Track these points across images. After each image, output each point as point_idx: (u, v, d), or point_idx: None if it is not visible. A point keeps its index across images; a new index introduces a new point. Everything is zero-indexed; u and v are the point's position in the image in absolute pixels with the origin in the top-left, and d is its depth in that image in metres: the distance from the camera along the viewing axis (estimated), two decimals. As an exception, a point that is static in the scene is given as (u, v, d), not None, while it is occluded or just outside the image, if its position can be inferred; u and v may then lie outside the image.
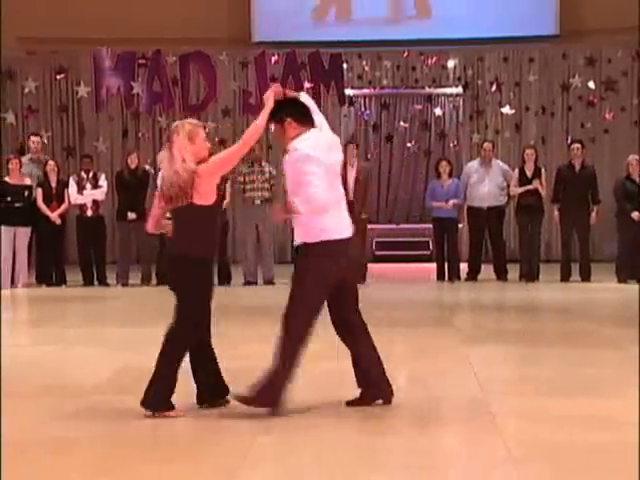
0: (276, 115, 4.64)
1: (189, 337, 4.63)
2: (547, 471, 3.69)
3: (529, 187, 11.29)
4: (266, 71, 14.74)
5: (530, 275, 11.22)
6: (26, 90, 14.94)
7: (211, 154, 4.68)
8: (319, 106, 16.36)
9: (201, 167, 4.52)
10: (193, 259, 4.55)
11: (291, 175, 4.59)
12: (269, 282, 11.33)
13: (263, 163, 11.69)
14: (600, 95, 14.41)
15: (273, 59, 14.70)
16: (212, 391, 4.74)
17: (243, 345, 6.83)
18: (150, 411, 4.50)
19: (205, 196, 4.54)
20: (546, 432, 4.20)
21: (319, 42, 14.63)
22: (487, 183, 11.56)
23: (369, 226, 12.18)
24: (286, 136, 4.62)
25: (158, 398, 4.51)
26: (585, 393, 5.12)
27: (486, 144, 12.04)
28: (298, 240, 4.65)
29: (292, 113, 4.63)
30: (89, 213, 11.39)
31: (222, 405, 4.71)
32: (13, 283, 11.19)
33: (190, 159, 4.51)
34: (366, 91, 15.36)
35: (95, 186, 11.42)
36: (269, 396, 4.49)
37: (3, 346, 6.75)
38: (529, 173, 11.39)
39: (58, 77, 15.05)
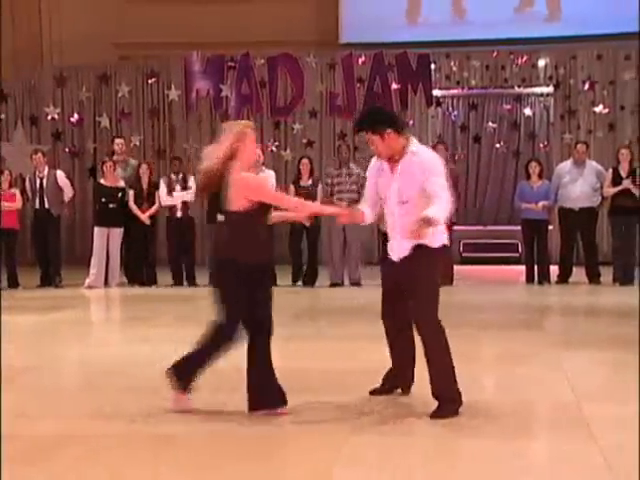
0: (376, 127, 4.75)
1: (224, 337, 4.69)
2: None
3: (622, 187, 10.99)
4: (353, 72, 14.75)
5: (625, 278, 10.91)
6: (119, 94, 15.30)
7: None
8: (407, 107, 16.39)
9: (241, 176, 4.59)
10: (231, 263, 4.60)
11: (424, 177, 4.75)
12: (355, 283, 11.32)
13: (351, 165, 11.69)
14: None
15: (360, 60, 14.70)
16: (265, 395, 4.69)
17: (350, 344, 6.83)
18: None
19: (232, 202, 4.62)
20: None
21: (407, 43, 14.56)
22: (580, 184, 11.29)
23: (456, 227, 12.06)
24: (388, 145, 4.76)
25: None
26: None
27: (579, 145, 11.77)
28: (415, 242, 4.69)
29: (391, 124, 4.79)
30: (179, 214, 11.59)
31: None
32: (106, 283, 11.48)
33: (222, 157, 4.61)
34: (454, 91, 15.20)
35: (184, 188, 11.61)
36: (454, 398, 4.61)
37: (98, 345, 6.93)
38: (623, 173, 11.09)
39: (150, 81, 15.36)
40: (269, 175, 11.78)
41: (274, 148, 14.83)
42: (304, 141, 14.95)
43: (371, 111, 5.09)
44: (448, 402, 4.53)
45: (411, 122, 14.87)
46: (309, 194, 11.33)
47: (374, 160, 4.99)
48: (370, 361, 6.13)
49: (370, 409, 4.74)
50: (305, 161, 11.56)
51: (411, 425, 4.43)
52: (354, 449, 4.05)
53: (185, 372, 4.72)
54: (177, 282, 11.56)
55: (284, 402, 4.64)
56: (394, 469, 3.78)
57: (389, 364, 5.22)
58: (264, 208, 4.65)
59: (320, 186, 11.48)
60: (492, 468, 3.81)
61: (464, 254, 14.20)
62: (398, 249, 4.79)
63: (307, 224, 11.29)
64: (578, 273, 11.42)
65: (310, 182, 11.48)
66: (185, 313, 9.20)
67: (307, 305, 9.97)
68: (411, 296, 4.69)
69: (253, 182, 4.65)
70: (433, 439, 4.25)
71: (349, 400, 4.98)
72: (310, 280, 11.42)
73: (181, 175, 11.76)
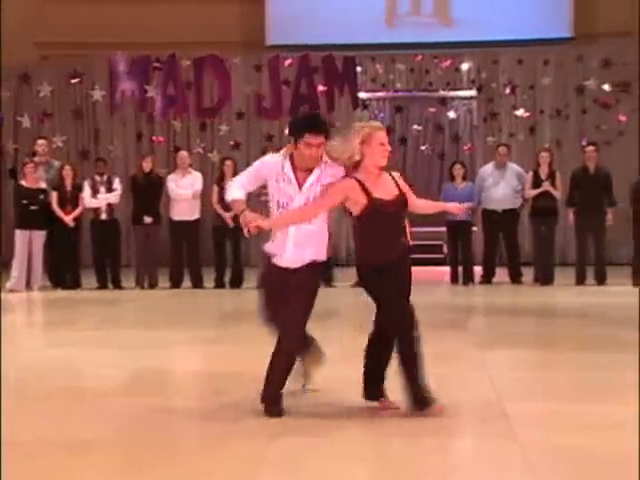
0: (328, 133, 4.72)
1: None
2: (563, 477, 3.68)
3: (542, 189, 11.25)
4: (280, 74, 14.77)
5: (545, 278, 11.18)
6: (41, 94, 15.01)
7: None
8: (333, 109, 16.49)
9: (338, 180, 4.67)
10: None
11: None
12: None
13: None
14: (615, 97, 14.34)
15: (287, 62, 14.72)
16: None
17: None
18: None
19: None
20: (562, 437, 4.18)
21: (333, 45, 14.64)
22: (502, 186, 11.53)
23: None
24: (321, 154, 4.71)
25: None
26: (602, 398, 5.09)
27: (501, 147, 12.01)
28: (312, 257, 4.76)
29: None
30: (103, 216, 11.44)
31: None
32: (29, 286, 11.25)
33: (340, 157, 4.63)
34: (380, 94, 15.35)
35: (109, 189, 11.47)
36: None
37: (20, 349, 6.78)
38: (543, 176, 11.36)
39: (73, 81, 15.11)
40: (196, 177, 11.75)
41: (201, 150, 14.74)
42: (231, 143, 14.91)
43: (319, 115, 5.02)
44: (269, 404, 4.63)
45: (338, 124, 14.98)
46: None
47: (275, 157, 4.85)
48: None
49: (294, 411, 4.76)
50: (229, 162, 11.54)
51: (330, 427, 4.45)
52: (279, 453, 4.05)
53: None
54: (102, 285, 11.41)
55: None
56: (317, 472, 3.81)
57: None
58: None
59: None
60: (416, 467, 3.86)
61: (391, 255, 14.32)
62: (299, 257, 4.74)
63: (231, 225, 11.30)
64: (501, 273, 11.66)
65: (235, 183, 11.45)
66: (110, 316, 9.08)
67: (232, 307, 9.94)
68: (292, 304, 4.70)
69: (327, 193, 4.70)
70: (355, 440, 4.29)
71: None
72: (236, 282, 11.38)
73: (105, 177, 11.61)
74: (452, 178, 11.88)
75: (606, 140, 13.94)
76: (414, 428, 4.46)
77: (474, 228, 12.07)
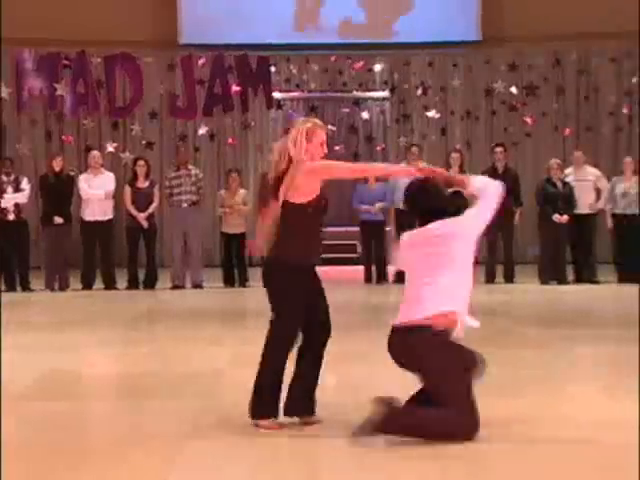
0: None
1: (283, 345, 4.52)
2: (474, 474, 3.77)
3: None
4: (193, 74, 14.66)
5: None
6: (-57, 91, 14.54)
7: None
8: (247, 110, 16.37)
9: (308, 163, 4.40)
10: (288, 264, 4.47)
11: None
12: (197, 286, 11.27)
13: (190, 166, 11.65)
14: (522, 100, 14.72)
15: (200, 62, 14.62)
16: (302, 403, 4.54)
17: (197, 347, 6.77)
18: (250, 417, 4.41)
19: (298, 193, 4.44)
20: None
21: (246, 45, 14.60)
22: (414, 186, 11.69)
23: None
24: None
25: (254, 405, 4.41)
26: (512, 393, 5.24)
27: (413, 148, 12.18)
28: None
29: None
30: (11, 217, 11.14)
31: (310, 423, 4.50)
32: None
33: (300, 156, 4.40)
34: (294, 94, 15.38)
35: (17, 189, 11.19)
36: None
37: None
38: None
39: (-22, 78, 14.67)
40: (108, 177, 11.57)
41: (112, 149, 14.51)
42: (143, 142, 14.72)
43: None
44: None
45: (252, 124, 14.97)
46: (146, 195, 11.22)
47: None
48: (208, 365, 6.14)
49: (207, 413, 4.75)
50: (141, 162, 11.42)
51: (245, 428, 4.46)
52: (190, 455, 4.03)
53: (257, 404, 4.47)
54: (10, 287, 11.12)
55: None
56: (230, 474, 3.81)
57: (227, 367, 5.24)
58: None
59: (157, 187, 11.40)
60: (332, 466, 3.90)
61: (305, 255, 14.38)
62: None
63: (145, 225, 11.18)
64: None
65: (147, 184, 11.35)
66: (19, 318, 8.86)
67: (146, 308, 9.83)
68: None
69: (324, 164, 4.56)
70: (270, 441, 4.29)
71: (186, 404, 4.96)
72: (149, 283, 11.27)
73: (13, 177, 11.32)
74: (365, 178, 11.99)
75: (513, 141, 14.29)
76: (332, 429, 4.50)
77: (387, 228, 12.21)
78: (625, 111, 14.63)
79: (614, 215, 11.47)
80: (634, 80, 14.54)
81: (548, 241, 11.31)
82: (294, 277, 4.41)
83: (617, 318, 8.88)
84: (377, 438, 4.10)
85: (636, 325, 7.96)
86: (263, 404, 4.38)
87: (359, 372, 6.07)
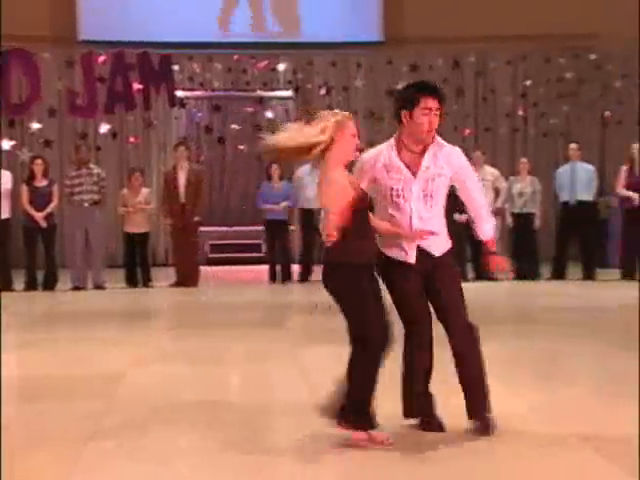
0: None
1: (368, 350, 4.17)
2: (379, 468, 3.83)
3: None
4: (93, 71, 14.39)
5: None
6: None
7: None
8: (149, 108, 16.12)
9: (330, 173, 4.05)
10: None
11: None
12: (99, 287, 11.09)
13: (91, 165, 11.45)
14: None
15: (100, 59, 14.36)
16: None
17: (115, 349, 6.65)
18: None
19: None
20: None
21: (149, 42, 14.43)
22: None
23: (202, 228, 12.17)
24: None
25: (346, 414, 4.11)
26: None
27: (316, 147, 12.25)
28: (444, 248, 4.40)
29: None
30: None
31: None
32: None
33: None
34: (197, 93, 15.28)
35: None
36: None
37: None
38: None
39: None
40: (5, 175, 11.26)
41: (9, 147, 14.10)
42: (42, 141, 14.38)
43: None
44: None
45: (155, 123, 14.81)
46: (44, 194, 10.99)
47: (375, 149, 4.31)
48: (109, 366, 6.07)
49: (108, 414, 4.69)
50: (38, 161, 11.18)
51: (147, 429, 4.43)
52: (91, 457, 3.98)
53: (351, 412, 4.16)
54: None
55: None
56: (131, 475, 3.78)
57: (128, 369, 5.19)
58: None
59: (55, 186, 11.16)
60: (231, 466, 3.90)
61: (210, 255, 14.34)
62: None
63: (43, 225, 10.92)
64: (319, 271, 11.88)
65: (45, 182, 11.11)
66: None
67: (46, 310, 9.61)
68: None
69: (330, 192, 4.03)
70: (168, 440, 4.27)
71: (87, 406, 4.89)
72: (49, 284, 11.02)
73: None
74: (269, 177, 12.03)
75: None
76: (227, 427, 4.51)
77: (291, 227, 12.26)
78: (521, 113, 15.07)
79: (512, 214, 11.82)
80: (528, 83, 15.01)
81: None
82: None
83: (514, 314, 9.15)
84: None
85: (528, 321, 8.24)
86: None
87: (261, 370, 6.09)
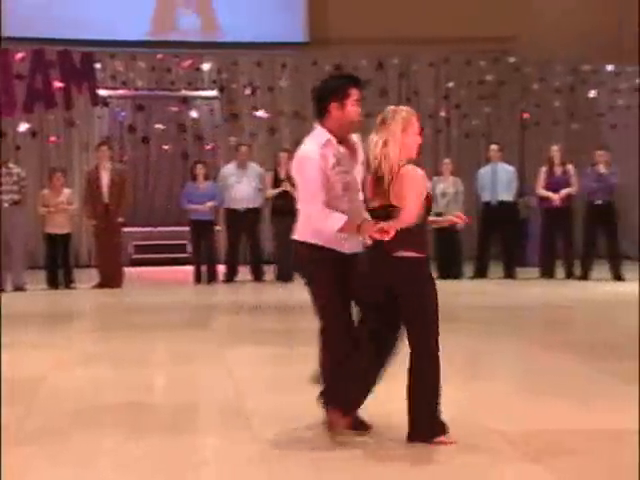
0: None
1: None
2: (302, 467, 3.86)
3: (280, 189, 11.57)
4: (11, 69, 14.04)
5: (286, 276, 11.54)
6: None
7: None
8: (71, 107, 15.77)
9: (404, 170, 4.03)
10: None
11: None
12: (19, 288, 10.85)
13: (10, 165, 11.20)
14: (348, 101, 15.08)
15: (18, 56, 14.02)
16: None
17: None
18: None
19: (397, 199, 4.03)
20: (299, 431, 4.35)
21: (69, 40, 14.16)
22: (243, 185, 11.76)
23: (126, 229, 12.02)
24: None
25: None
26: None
27: (242, 147, 12.24)
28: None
29: None
30: None
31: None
32: None
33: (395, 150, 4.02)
34: (120, 92, 15.07)
35: None
36: None
37: None
38: (282, 176, 11.71)
39: None
40: None
41: None
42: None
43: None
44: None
45: (77, 122, 14.55)
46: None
47: (312, 146, 4.22)
48: (30, 369, 5.96)
49: (30, 418, 4.61)
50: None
51: (70, 432, 4.37)
52: (14, 461, 3.91)
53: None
54: None
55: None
56: (55, 479, 3.73)
57: (49, 372, 5.10)
58: None
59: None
60: (155, 468, 3.88)
61: (134, 256, 14.17)
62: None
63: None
64: (245, 271, 11.88)
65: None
66: None
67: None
68: None
69: (412, 196, 4.03)
70: (91, 443, 4.22)
71: (8, 410, 4.79)
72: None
73: None
74: (194, 178, 11.95)
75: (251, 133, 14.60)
76: (152, 428, 4.48)
77: (217, 227, 12.21)
78: (443, 114, 15.30)
79: (435, 214, 11.98)
80: (450, 85, 15.25)
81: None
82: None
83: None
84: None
85: (451, 319, 8.37)
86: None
87: (186, 371, 6.05)
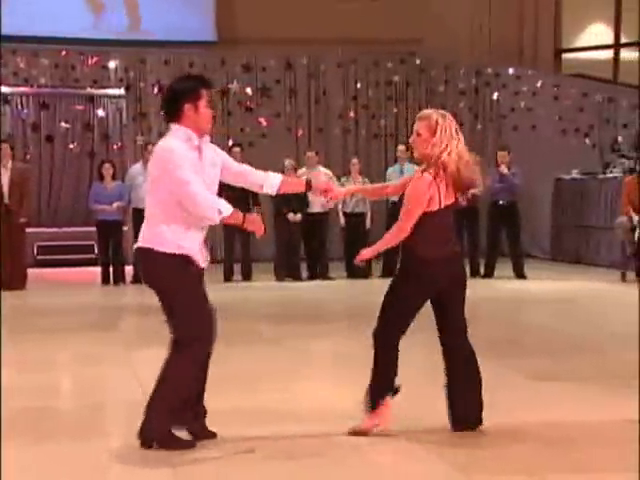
0: None
1: None
2: (205, 466, 3.86)
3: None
4: None
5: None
6: None
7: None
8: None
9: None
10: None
11: None
12: None
13: None
14: (257, 101, 15.07)
15: None
16: None
17: None
18: None
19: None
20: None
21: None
22: (151, 185, 11.63)
23: (29, 230, 11.74)
24: None
25: None
26: (247, 388, 5.39)
27: (150, 146, 12.09)
28: None
29: None
30: None
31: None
32: None
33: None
34: (23, 89, 14.70)
35: None
36: None
37: None
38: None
39: None
40: None
41: None
42: None
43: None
44: None
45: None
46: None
47: (171, 140, 4.21)
48: None
49: None
50: None
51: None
52: None
53: None
54: None
55: None
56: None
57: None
58: None
59: None
60: (62, 470, 3.82)
61: (38, 257, 13.84)
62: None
63: None
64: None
65: None
66: None
67: None
68: None
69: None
70: (31, 446, 4.14)
71: None
72: None
73: None
74: (101, 177, 11.76)
75: (250, 141, 14.59)
76: (58, 432, 4.40)
77: (125, 227, 12.04)
78: (352, 114, 15.45)
79: (345, 214, 12.11)
80: (359, 85, 15.41)
81: (283, 239, 11.69)
82: None
83: (347, 312, 9.39)
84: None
85: (362, 317, 8.47)
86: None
87: (93, 373, 5.97)
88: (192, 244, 4.16)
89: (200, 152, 4.22)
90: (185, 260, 4.15)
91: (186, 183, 4.06)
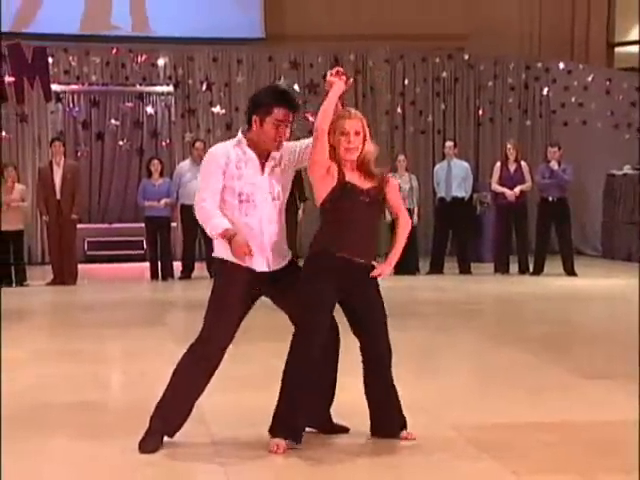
0: None
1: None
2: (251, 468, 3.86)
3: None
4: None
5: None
6: None
7: None
8: (22, 101, 15.56)
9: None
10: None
11: None
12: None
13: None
14: (304, 97, 15.07)
15: (-32, 50, 13.79)
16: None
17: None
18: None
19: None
20: (255, 428, 4.34)
21: (22, 34, 13.96)
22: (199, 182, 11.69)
23: (80, 226, 11.90)
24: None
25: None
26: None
27: (198, 143, 12.17)
28: None
29: None
30: None
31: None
32: None
33: None
34: (74, 87, 14.89)
35: None
36: None
37: None
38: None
39: None
40: None
41: None
42: None
43: (289, 90, 4.48)
44: None
45: (29, 117, 14.35)
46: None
47: (224, 144, 4.21)
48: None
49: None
50: None
51: (21, 431, 4.32)
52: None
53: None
54: None
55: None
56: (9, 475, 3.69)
57: (2, 370, 5.02)
58: None
59: None
60: (104, 467, 3.85)
61: (89, 252, 14.03)
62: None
63: None
64: (201, 268, 11.81)
65: None
66: None
67: None
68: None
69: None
70: (43, 442, 4.18)
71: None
72: None
73: None
74: (149, 174, 11.87)
75: (297, 137, 14.55)
76: (104, 427, 4.45)
77: (173, 224, 12.14)
78: (399, 110, 15.37)
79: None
80: (406, 81, 15.33)
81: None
82: None
83: (393, 308, 9.32)
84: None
85: (407, 314, 8.43)
86: None
87: (139, 369, 6.01)
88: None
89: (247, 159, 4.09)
90: (230, 265, 4.08)
91: (199, 191, 4.12)
